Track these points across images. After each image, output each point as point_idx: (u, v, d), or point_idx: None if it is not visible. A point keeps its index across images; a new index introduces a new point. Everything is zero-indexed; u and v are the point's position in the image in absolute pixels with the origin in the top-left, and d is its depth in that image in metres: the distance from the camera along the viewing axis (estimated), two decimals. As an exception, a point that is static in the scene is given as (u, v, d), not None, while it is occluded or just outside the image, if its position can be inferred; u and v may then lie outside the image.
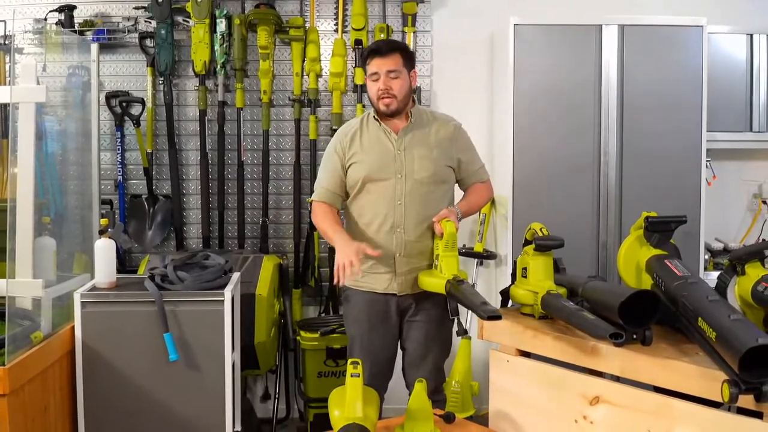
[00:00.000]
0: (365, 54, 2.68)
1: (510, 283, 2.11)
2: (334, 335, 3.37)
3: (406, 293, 2.60)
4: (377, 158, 2.59)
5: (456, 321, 2.67)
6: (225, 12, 3.60)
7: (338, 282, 2.43)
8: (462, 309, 2.54)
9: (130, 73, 3.74)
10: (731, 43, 3.54)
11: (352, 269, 2.38)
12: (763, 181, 3.85)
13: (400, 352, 2.73)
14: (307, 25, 3.71)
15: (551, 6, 3.76)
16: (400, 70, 2.57)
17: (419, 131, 2.64)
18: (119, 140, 3.68)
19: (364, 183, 2.59)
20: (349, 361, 1.77)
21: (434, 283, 2.43)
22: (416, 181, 2.57)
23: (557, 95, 3.30)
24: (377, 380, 2.58)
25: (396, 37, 3.74)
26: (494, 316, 1.98)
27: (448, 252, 2.42)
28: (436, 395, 2.65)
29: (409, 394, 2.68)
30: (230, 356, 2.58)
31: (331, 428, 1.71)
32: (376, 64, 2.58)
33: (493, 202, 3.66)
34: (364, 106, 3.67)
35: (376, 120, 2.65)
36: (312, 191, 3.73)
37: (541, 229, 2.05)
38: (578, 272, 2.10)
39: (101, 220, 2.72)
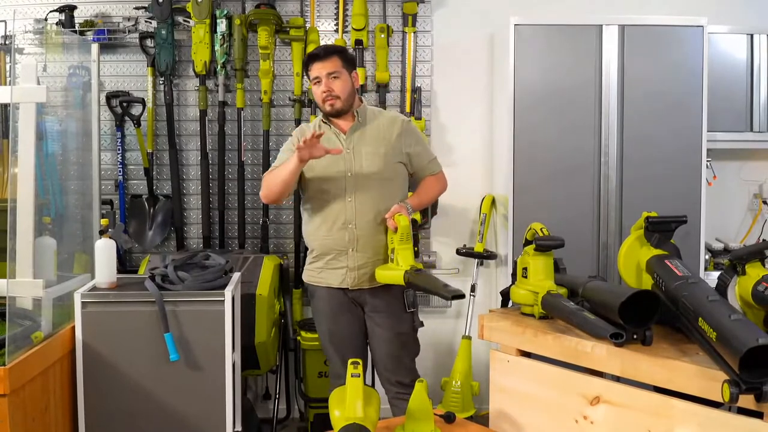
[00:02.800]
0: (305, 61, 2.79)
1: (510, 283, 2.11)
2: (335, 335, 3.37)
3: (359, 287, 2.67)
4: (326, 158, 2.64)
5: (414, 314, 2.74)
6: (225, 12, 3.60)
7: (305, 140, 2.48)
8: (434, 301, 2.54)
9: (130, 73, 3.74)
10: (731, 43, 3.54)
11: (314, 137, 2.47)
12: (763, 181, 3.85)
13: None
14: (308, 25, 3.71)
15: (551, 6, 3.76)
16: (339, 71, 2.68)
17: (367, 128, 2.73)
18: (119, 140, 3.68)
19: (317, 183, 2.69)
20: (350, 361, 1.77)
21: (392, 275, 2.50)
22: (365, 177, 2.66)
23: (557, 95, 3.30)
24: None
25: (397, 37, 3.75)
26: (458, 296, 2.22)
27: (403, 245, 2.50)
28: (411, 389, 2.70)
29: (387, 392, 2.72)
30: (230, 356, 2.58)
31: (332, 428, 1.71)
32: (316, 69, 2.69)
33: (493, 201, 3.66)
34: (364, 106, 3.68)
35: (326, 123, 2.74)
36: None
37: (541, 229, 2.05)
38: (578, 272, 2.10)
39: (102, 220, 2.72)
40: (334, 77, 2.66)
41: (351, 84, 2.71)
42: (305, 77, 3.66)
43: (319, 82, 2.68)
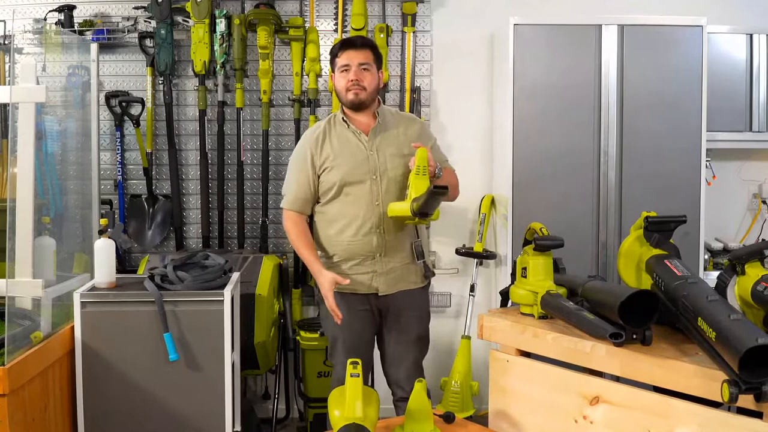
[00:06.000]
0: (336, 47, 2.70)
1: (510, 283, 2.11)
2: (334, 335, 3.37)
3: (388, 293, 2.64)
4: (351, 160, 2.61)
5: (423, 265, 2.67)
6: (225, 12, 3.60)
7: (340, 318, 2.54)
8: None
9: (129, 73, 3.74)
10: (731, 43, 3.54)
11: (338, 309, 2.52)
12: (762, 180, 3.85)
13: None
14: (307, 24, 3.71)
15: (551, 6, 3.76)
16: (371, 64, 2.64)
17: (389, 131, 2.68)
18: (119, 140, 3.68)
19: (341, 187, 2.61)
20: (349, 361, 1.77)
21: (400, 208, 2.45)
22: (391, 179, 2.61)
23: (557, 95, 3.30)
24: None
25: (396, 37, 3.75)
26: (439, 188, 2.29)
27: (419, 178, 2.42)
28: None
29: (392, 393, 2.72)
30: (230, 356, 2.58)
31: (331, 428, 1.71)
32: (347, 56, 2.63)
33: (493, 201, 3.66)
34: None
35: (345, 122, 2.67)
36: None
37: (541, 229, 2.05)
38: (578, 272, 2.10)
39: (101, 220, 2.73)
40: (365, 69, 2.62)
41: (377, 81, 2.68)
42: (304, 77, 3.70)
43: (347, 70, 2.61)
